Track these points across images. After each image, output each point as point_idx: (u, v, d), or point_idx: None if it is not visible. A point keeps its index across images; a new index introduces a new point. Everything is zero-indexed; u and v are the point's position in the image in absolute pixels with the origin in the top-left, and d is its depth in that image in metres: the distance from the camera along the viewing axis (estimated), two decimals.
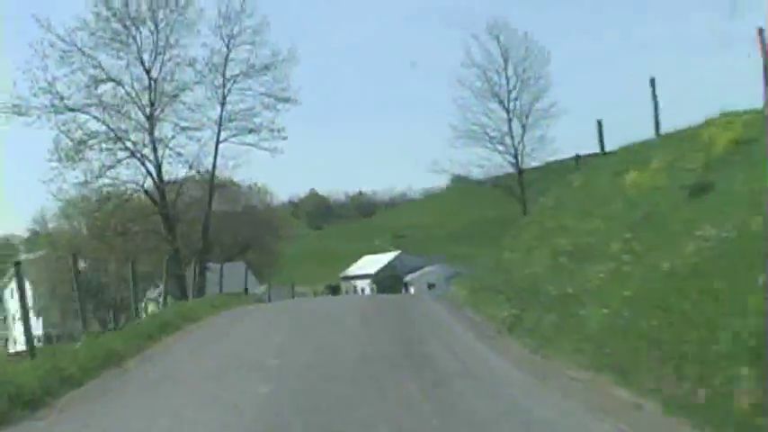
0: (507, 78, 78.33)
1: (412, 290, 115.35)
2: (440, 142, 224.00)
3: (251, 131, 57.60)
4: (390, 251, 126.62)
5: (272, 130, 57.05)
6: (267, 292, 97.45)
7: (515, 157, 78.68)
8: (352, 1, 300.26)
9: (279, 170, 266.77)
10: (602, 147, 29.20)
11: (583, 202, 22.71)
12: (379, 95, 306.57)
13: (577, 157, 31.36)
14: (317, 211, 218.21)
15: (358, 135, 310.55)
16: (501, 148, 78.84)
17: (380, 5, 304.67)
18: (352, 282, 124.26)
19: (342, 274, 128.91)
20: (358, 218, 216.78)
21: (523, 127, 78.60)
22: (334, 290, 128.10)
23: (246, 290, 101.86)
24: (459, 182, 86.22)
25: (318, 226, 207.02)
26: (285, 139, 57.23)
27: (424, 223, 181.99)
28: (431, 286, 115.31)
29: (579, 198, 23.82)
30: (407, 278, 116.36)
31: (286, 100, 57.25)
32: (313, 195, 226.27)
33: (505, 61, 78.03)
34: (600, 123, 29.31)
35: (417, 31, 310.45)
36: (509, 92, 78.56)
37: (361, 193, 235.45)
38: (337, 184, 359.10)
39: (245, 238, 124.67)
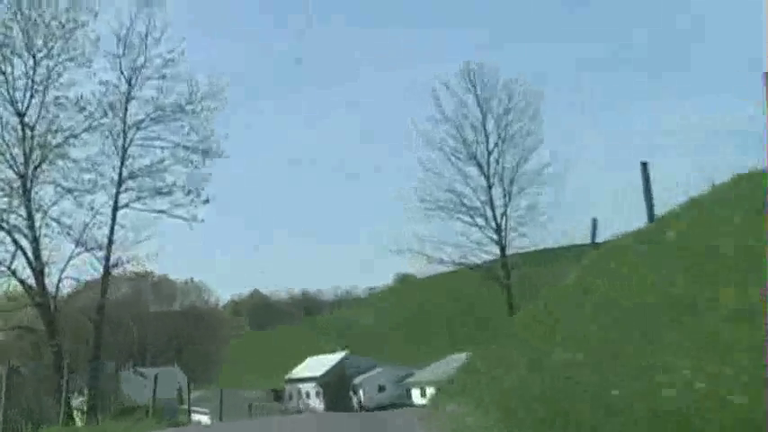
0: (486, 135, 65.57)
1: (361, 394, 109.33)
2: (397, 223, 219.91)
3: (160, 193, 43.72)
4: (336, 351, 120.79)
5: (188, 192, 43.23)
6: (214, 398, 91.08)
7: (498, 232, 64.63)
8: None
9: (218, 268, 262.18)
10: (594, 239, 25.27)
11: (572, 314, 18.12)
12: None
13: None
14: (260, 310, 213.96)
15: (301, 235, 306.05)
16: (481, 221, 65.20)
17: None
18: (297, 385, 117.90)
19: (287, 377, 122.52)
20: (302, 317, 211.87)
21: (507, 195, 65.20)
22: (278, 393, 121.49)
23: (181, 397, 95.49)
24: (430, 262, 66.68)
25: (261, 326, 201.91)
26: (206, 202, 43.41)
27: (370, 323, 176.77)
28: (381, 389, 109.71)
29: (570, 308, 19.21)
30: (356, 381, 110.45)
31: (207, 152, 43.98)
32: (255, 295, 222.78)
33: (484, 115, 65.41)
34: (595, 222, 25.35)
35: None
36: (489, 152, 65.64)
37: (304, 292, 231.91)
38: (280, 283, 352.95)
39: (180, 339, 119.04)
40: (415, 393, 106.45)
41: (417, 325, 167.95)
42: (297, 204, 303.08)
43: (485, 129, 65.35)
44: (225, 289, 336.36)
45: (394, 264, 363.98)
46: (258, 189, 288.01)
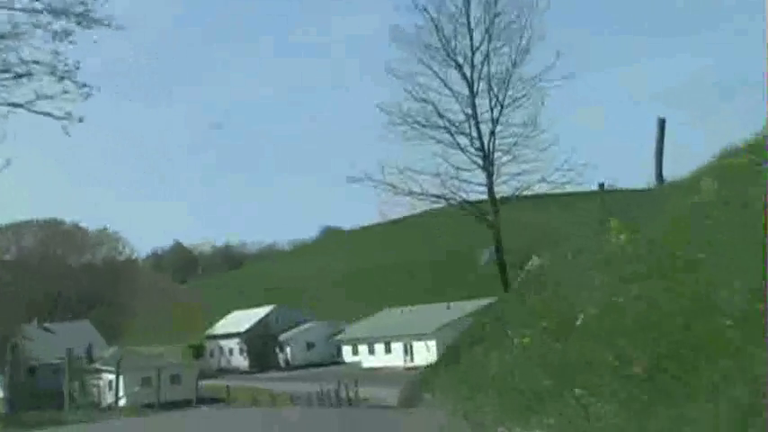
0: (470, 28, 51.29)
1: (288, 351, 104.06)
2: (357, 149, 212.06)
3: (16, 76, 26.81)
4: (263, 306, 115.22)
5: (57, 76, 26.31)
6: (118, 358, 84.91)
7: (484, 156, 51.77)
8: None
9: (140, 218, 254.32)
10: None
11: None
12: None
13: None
14: (182, 264, 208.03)
15: (227, 184, 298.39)
16: (464, 141, 51.91)
17: None
18: (219, 341, 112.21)
19: (207, 333, 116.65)
20: (226, 270, 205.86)
21: (498, 105, 51.86)
22: (198, 350, 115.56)
23: (91, 355, 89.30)
24: (396, 194, 51.43)
25: (183, 279, 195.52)
26: (88, 96, 26.52)
27: (298, 275, 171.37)
28: (310, 346, 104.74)
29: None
30: (282, 337, 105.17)
31: (83, 17, 26.49)
32: (177, 247, 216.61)
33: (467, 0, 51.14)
34: (602, 187, 22.54)
35: None
36: (473, 50, 51.44)
37: (228, 245, 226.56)
38: (203, 236, 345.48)
39: (93, 292, 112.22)
40: (346, 350, 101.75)
41: (347, 280, 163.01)
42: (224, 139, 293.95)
43: (468, 19, 51.37)
44: (143, 240, 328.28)
45: (319, 215, 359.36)
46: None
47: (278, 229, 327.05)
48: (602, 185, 22.61)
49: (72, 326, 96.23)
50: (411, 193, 51.14)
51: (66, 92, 25.81)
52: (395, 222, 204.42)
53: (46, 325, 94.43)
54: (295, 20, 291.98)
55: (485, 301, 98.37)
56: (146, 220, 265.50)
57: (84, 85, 26.21)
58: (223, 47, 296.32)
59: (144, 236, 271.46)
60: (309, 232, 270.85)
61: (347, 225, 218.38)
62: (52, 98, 26.24)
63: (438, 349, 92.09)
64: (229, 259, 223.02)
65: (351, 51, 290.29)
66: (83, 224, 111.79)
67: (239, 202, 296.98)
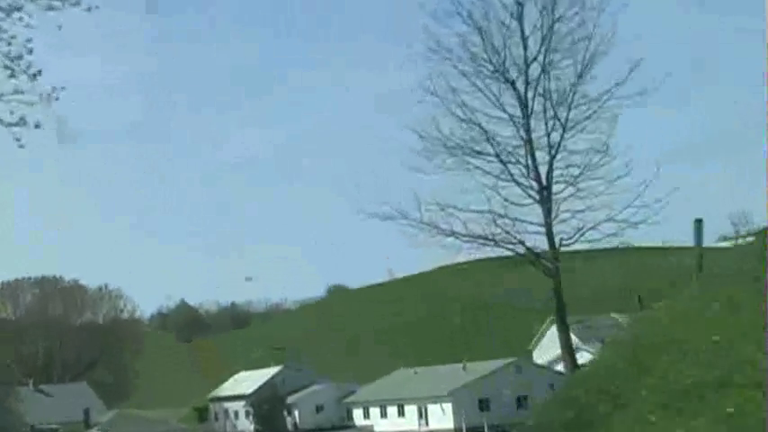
0: (524, 37, 42.51)
1: (297, 414, 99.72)
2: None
3: None
4: (270, 366, 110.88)
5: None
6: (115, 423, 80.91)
7: (541, 188, 42.54)
8: None
9: (145, 278, 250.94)
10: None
11: None
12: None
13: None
14: (187, 323, 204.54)
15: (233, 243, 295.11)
16: (516, 171, 42.84)
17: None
18: (224, 404, 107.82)
19: (211, 395, 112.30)
20: (231, 330, 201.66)
21: (559, 127, 42.79)
22: (202, 413, 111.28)
23: (88, 420, 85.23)
24: (433, 236, 41.93)
25: (188, 339, 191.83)
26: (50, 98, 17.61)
27: (305, 335, 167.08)
28: (319, 408, 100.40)
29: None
30: (291, 399, 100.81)
31: None
32: (183, 306, 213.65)
33: (520, 3, 42.44)
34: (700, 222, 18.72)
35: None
36: (527, 62, 42.62)
37: (234, 303, 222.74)
38: (209, 296, 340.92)
39: (93, 352, 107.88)
40: (357, 413, 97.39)
41: (357, 339, 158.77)
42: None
43: (521, 26, 42.32)
44: (146, 299, 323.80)
45: (326, 274, 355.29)
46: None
47: (285, 288, 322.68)
48: (699, 222, 18.85)
49: (69, 388, 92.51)
50: (454, 233, 41.60)
51: (18, 92, 18.16)
52: (404, 280, 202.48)
53: (42, 387, 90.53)
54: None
55: (501, 362, 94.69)
56: (150, 278, 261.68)
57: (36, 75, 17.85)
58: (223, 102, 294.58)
59: (148, 295, 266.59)
60: (316, 291, 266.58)
61: (355, 284, 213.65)
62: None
63: (454, 413, 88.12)
64: (235, 318, 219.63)
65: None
66: (82, 282, 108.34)
67: (244, 260, 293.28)
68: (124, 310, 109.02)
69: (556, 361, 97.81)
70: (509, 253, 43.62)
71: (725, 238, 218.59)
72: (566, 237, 42.54)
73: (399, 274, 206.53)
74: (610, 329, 73.52)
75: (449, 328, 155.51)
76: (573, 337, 48.61)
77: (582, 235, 42.64)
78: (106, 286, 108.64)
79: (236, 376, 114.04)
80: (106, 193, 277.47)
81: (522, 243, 42.31)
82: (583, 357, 50.04)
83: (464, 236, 41.57)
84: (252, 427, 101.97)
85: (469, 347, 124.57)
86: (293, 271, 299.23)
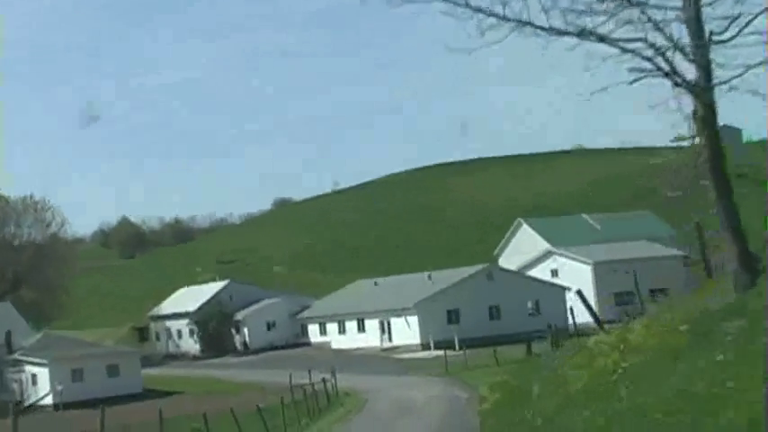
0: None
1: (246, 332, 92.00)
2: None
3: None
4: (215, 281, 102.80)
5: None
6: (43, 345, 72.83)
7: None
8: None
9: (87, 194, 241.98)
10: None
11: None
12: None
13: None
14: (130, 240, 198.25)
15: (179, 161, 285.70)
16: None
17: None
18: (166, 322, 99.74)
19: (152, 313, 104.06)
20: (175, 245, 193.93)
21: None
22: (142, 333, 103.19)
23: (10, 343, 76.57)
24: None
25: (131, 256, 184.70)
26: None
27: (252, 249, 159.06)
28: (271, 325, 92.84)
29: None
30: (239, 316, 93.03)
31: None
32: (124, 223, 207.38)
33: None
34: None
35: None
36: None
37: (177, 219, 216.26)
38: (152, 211, 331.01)
39: (17, 270, 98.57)
40: (313, 330, 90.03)
41: (309, 251, 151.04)
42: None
43: None
44: (86, 215, 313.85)
45: (271, 189, 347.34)
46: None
47: (229, 203, 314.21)
48: None
49: None
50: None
51: None
52: (350, 190, 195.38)
53: None
54: None
55: (470, 270, 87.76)
56: (90, 195, 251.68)
57: None
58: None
59: (89, 211, 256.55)
60: (262, 206, 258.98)
61: (301, 197, 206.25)
62: None
63: (420, 326, 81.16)
64: (179, 234, 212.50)
65: None
66: (2, 192, 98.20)
67: (189, 175, 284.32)
68: (52, 224, 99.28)
69: (526, 267, 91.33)
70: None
71: (679, 138, 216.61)
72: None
73: (344, 185, 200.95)
74: None
75: (402, 239, 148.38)
76: None
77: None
78: (31, 197, 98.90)
79: (178, 292, 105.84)
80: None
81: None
82: None
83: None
84: (197, 346, 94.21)
85: (425, 258, 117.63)
86: (238, 186, 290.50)
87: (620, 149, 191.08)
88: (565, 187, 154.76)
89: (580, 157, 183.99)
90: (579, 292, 48.29)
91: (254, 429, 36.99)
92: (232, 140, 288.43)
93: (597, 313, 40.90)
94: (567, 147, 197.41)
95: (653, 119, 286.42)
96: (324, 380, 49.19)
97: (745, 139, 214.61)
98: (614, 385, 14.17)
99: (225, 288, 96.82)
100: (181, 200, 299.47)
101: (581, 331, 64.58)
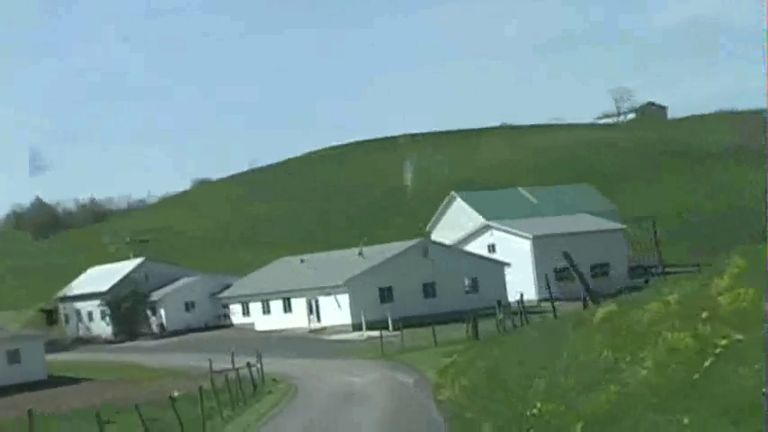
0: None
1: (163, 314, 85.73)
2: None
3: None
4: (129, 258, 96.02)
5: None
6: None
7: None
8: None
9: None
10: None
11: None
12: None
13: None
14: (44, 221, 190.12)
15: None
16: None
17: None
18: (75, 304, 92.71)
19: (60, 294, 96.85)
20: (90, 224, 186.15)
21: None
22: (50, 316, 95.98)
23: None
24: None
25: (45, 237, 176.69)
26: None
27: (169, 228, 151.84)
28: (189, 306, 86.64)
29: None
30: (155, 296, 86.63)
31: None
32: (38, 204, 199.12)
33: None
34: None
35: None
36: None
37: (94, 200, 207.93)
38: (67, 194, 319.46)
39: None
40: (235, 310, 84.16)
41: (230, 228, 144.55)
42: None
43: None
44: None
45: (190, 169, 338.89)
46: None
47: (147, 184, 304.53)
48: None
49: None
50: None
51: None
52: (270, 168, 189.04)
53: None
54: None
55: (403, 245, 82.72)
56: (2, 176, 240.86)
57: None
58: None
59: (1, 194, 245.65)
60: (182, 186, 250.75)
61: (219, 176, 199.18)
62: None
63: (351, 305, 75.89)
64: (95, 215, 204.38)
65: None
66: None
67: (105, 157, 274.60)
68: None
69: (461, 242, 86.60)
70: None
71: (606, 116, 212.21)
72: None
73: (264, 163, 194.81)
74: None
75: (325, 217, 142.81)
76: None
77: None
78: None
79: (88, 272, 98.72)
80: None
81: None
82: None
83: None
84: (109, 329, 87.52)
85: (351, 236, 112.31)
86: (156, 167, 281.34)
87: (548, 126, 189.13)
88: (496, 163, 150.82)
89: (508, 133, 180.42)
90: (566, 254, 44.12)
91: (167, 423, 31.44)
92: (151, 122, 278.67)
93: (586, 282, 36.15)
94: (494, 124, 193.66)
95: (579, 97, 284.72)
96: (248, 364, 43.65)
97: (669, 115, 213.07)
98: (709, 374, 9.24)
99: (139, 266, 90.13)
100: (98, 182, 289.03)
101: (529, 309, 60.65)
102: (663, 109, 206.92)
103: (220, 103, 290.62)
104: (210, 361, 49.32)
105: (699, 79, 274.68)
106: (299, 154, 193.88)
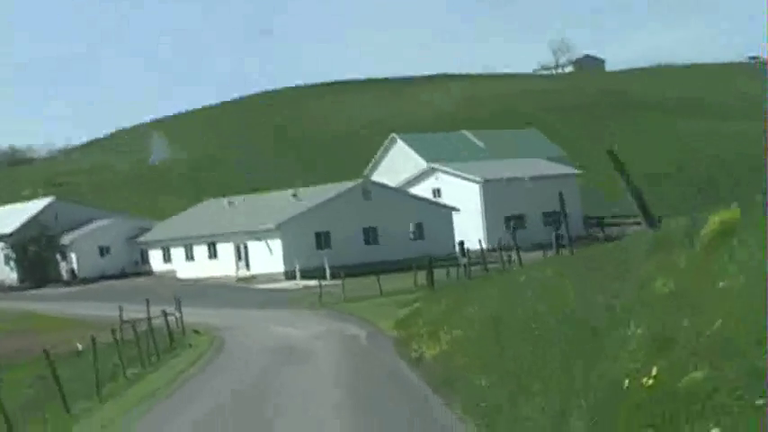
0: None
1: (74, 258, 77.46)
2: None
3: None
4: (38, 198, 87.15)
5: None
6: None
7: None
8: None
9: None
10: None
11: None
12: None
13: None
14: None
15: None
16: None
17: None
18: None
19: None
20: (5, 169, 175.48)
21: None
22: None
23: None
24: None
25: None
26: None
27: (89, 169, 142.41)
28: (104, 251, 78.44)
29: None
30: (66, 239, 78.21)
31: None
32: None
33: None
34: None
35: None
36: None
37: (13, 147, 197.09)
38: None
39: None
40: (155, 256, 76.27)
41: (150, 173, 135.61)
42: None
43: None
44: None
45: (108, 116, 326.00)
46: None
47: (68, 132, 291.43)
48: None
49: None
50: None
51: None
52: (199, 111, 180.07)
53: None
54: None
55: (342, 186, 75.58)
56: None
57: None
58: None
59: None
60: (104, 131, 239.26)
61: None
62: None
63: (284, 251, 68.60)
64: (14, 162, 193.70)
65: None
66: None
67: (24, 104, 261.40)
68: None
69: (404, 186, 79.78)
70: None
71: (544, 68, 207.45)
72: None
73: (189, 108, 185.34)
74: None
75: (254, 160, 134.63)
76: None
77: None
78: None
79: None
80: None
81: None
82: None
83: None
84: (14, 275, 78.81)
85: (282, 181, 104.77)
86: (78, 113, 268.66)
87: (486, 75, 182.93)
88: (434, 111, 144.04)
89: (445, 81, 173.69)
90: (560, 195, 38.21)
91: (65, 380, 24.00)
92: (76, 66, 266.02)
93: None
94: (431, 72, 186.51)
95: (516, 49, 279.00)
96: (164, 313, 36.33)
97: (607, 68, 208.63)
98: None
99: (48, 207, 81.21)
100: (17, 129, 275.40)
101: (474, 260, 54.45)
102: (601, 62, 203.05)
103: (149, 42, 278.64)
104: (121, 308, 41.84)
105: (637, 33, 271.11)
106: (229, 99, 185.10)
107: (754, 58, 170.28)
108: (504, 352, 14.46)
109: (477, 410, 12.74)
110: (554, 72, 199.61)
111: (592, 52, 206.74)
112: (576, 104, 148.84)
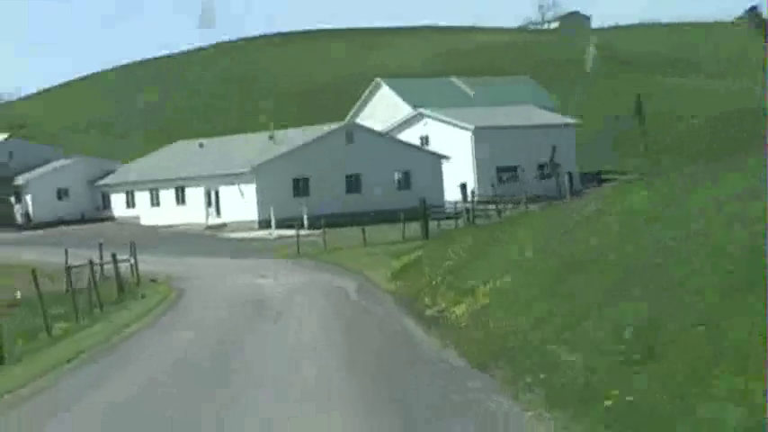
0: None
1: (29, 201, 71.32)
2: None
3: None
4: None
5: None
6: None
7: None
8: None
9: None
10: None
11: None
12: None
13: None
14: None
15: None
16: None
17: None
18: None
19: None
20: None
21: None
22: None
23: None
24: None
25: None
26: None
27: (50, 114, 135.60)
28: (63, 193, 72.30)
29: None
30: (21, 180, 72.01)
31: None
32: None
33: None
34: None
35: None
36: None
37: None
38: None
39: None
40: (118, 200, 70.25)
41: (116, 117, 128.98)
42: None
43: None
44: None
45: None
46: None
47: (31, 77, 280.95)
48: None
49: None
50: None
51: None
52: (155, 60, 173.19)
53: None
54: None
55: (323, 129, 69.90)
56: None
57: None
58: None
59: None
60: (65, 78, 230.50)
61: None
62: None
63: (259, 197, 62.88)
64: None
65: None
66: None
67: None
68: None
69: (390, 132, 74.14)
70: None
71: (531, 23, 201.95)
72: None
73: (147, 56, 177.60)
74: None
75: (221, 109, 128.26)
76: None
77: None
78: None
79: None
80: None
81: None
82: None
83: None
84: None
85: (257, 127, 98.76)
86: (40, 59, 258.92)
87: (472, 28, 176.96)
88: (421, 60, 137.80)
89: (429, 33, 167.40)
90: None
91: None
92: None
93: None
94: (413, 23, 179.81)
95: (503, 3, 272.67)
96: (114, 258, 30.65)
97: (594, 25, 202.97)
98: None
99: (2, 144, 74.81)
100: None
101: (458, 213, 49.32)
102: (587, 18, 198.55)
103: None
104: (66, 252, 36.18)
105: None
106: (206, 45, 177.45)
107: (752, 8, 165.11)
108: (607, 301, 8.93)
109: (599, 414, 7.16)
110: (539, 28, 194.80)
111: (578, 8, 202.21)
112: (566, 59, 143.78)
